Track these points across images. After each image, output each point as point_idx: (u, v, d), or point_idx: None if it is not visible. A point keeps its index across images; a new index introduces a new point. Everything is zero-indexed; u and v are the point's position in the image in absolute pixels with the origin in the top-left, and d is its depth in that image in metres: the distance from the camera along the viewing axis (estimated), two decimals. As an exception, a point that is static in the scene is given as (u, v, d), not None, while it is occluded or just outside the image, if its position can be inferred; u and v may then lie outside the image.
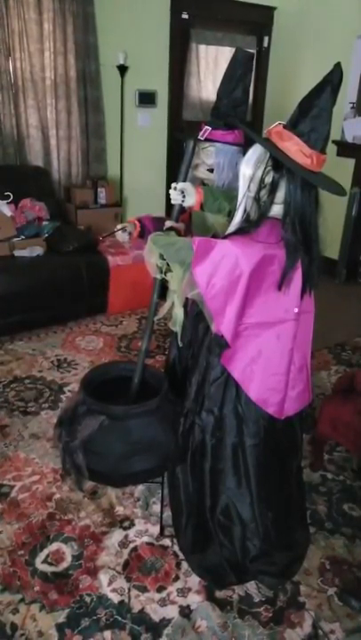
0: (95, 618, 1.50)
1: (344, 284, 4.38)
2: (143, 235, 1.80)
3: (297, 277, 1.37)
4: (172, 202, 1.60)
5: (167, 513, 1.83)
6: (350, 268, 4.39)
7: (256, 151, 1.34)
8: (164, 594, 1.59)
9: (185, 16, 4.20)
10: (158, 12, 4.06)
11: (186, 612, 1.54)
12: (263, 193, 1.34)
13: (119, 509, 1.89)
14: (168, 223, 1.59)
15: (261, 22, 4.60)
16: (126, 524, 1.83)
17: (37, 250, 3.29)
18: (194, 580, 1.63)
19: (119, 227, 1.82)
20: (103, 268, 3.41)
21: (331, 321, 3.46)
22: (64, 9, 3.58)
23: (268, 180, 1.32)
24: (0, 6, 3.36)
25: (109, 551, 1.72)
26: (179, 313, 1.49)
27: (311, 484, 2.06)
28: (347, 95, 3.99)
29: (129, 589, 1.59)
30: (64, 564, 1.66)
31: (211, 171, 1.76)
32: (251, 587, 1.62)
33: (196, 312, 1.61)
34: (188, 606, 1.55)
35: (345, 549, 1.78)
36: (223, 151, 1.71)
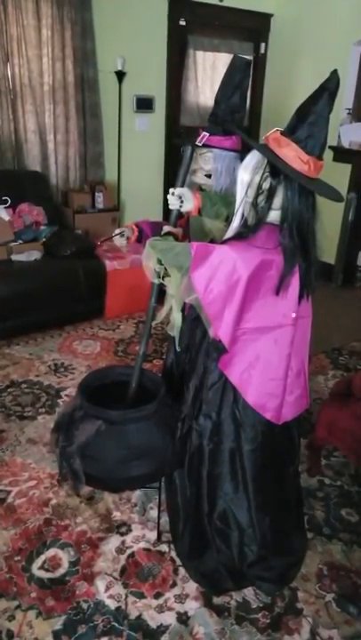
0: (92, 624, 1.49)
1: (341, 288, 4.39)
2: (141, 239, 1.81)
3: (295, 282, 1.37)
4: (170, 207, 1.60)
5: (164, 518, 1.83)
6: (347, 272, 4.41)
7: (254, 157, 1.35)
8: (161, 600, 1.58)
9: (182, 22, 4.24)
10: (156, 19, 4.09)
11: (183, 618, 1.53)
12: (261, 199, 1.34)
13: (116, 515, 1.88)
14: (166, 228, 1.60)
15: (258, 29, 4.64)
16: (123, 529, 1.82)
17: (35, 254, 3.29)
18: (191, 587, 1.62)
19: (117, 231, 1.83)
20: (100, 273, 3.41)
21: (328, 325, 3.47)
22: (62, 15, 3.60)
23: (266, 185, 1.33)
24: (-2, 12, 3.38)
25: (106, 557, 1.71)
26: (176, 317, 1.49)
27: (309, 489, 2.06)
28: (343, 101, 4.02)
29: (126, 596, 1.58)
30: (61, 570, 1.65)
31: (208, 176, 1.77)
32: (248, 593, 1.61)
33: (193, 316, 1.61)
34: (186, 613, 1.54)
35: (343, 555, 1.78)
36: (221, 157, 1.72)
